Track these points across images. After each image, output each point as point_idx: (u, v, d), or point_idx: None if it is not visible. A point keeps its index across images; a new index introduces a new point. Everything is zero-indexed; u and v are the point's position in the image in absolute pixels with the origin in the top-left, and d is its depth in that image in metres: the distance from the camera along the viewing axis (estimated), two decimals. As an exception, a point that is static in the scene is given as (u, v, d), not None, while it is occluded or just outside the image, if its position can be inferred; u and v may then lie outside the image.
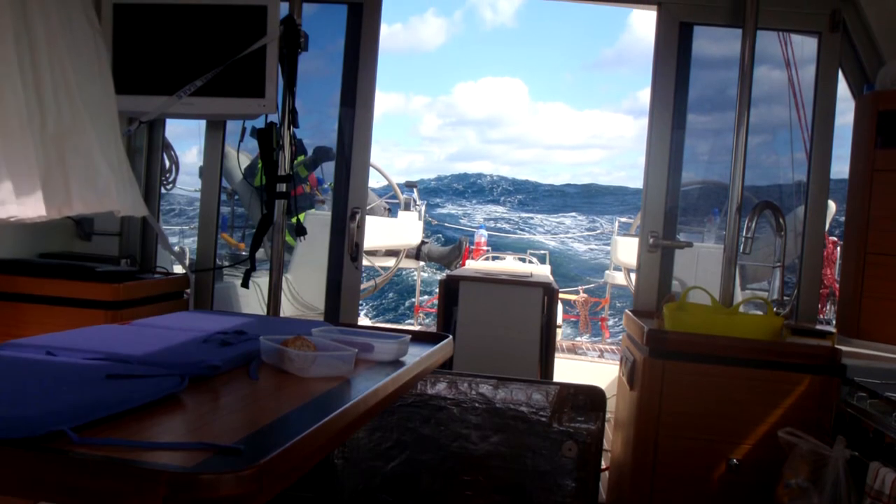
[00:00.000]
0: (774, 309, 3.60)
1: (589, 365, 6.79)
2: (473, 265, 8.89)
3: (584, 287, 12.66)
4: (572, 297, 11.50)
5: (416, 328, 9.24)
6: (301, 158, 5.55)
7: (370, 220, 6.14)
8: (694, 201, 4.43)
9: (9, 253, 3.56)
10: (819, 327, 3.62)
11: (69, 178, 2.75)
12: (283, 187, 3.75)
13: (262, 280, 4.30)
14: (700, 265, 4.28)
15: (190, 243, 6.40)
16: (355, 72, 4.08)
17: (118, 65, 3.60)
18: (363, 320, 7.99)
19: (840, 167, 3.88)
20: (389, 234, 9.39)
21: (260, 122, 3.72)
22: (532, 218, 48.95)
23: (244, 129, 3.82)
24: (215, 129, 4.18)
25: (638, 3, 4.20)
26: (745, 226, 3.66)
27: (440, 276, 5.56)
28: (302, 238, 3.93)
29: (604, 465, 3.74)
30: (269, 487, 1.13)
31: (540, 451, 3.26)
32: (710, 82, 4.22)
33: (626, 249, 8.71)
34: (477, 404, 3.29)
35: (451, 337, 2.48)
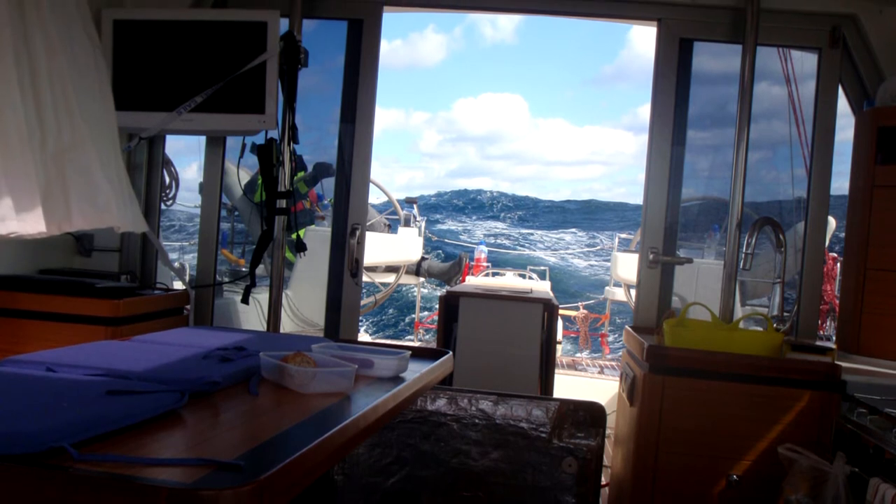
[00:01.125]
0: (774, 325, 3.59)
1: (589, 381, 6.77)
2: (473, 281, 8.86)
3: (584, 303, 12.66)
4: (572, 313, 11.51)
5: (416, 344, 9.21)
6: (301, 174, 5.55)
7: (370, 237, 6.15)
8: (694, 217, 4.43)
9: (9, 269, 3.56)
10: (819, 343, 3.61)
11: (69, 194, 2.75)
12: (283, 203, 3.76)
13: (262, 296, 4.30)
14: (700, 281, 4.27)
15: (190, 259, 6.40)
16: (355, 88, 4.09)
17: (118, 81, 3.61)
18: (363, 336, 7.99)
19: (840, 183, 3.88)
20: (389, 250, 9.40)
21: (260, 138, 3.72)
22: (532, 234, 49.02)
23: (244, 145, 3.82)
24: (215, 146, 4.19)
25: (638, 19, 4.21)
26: (745, 242, 3.65)
27: (440, 292, 5.56)
28: (302, 254, 3.93)
29: (604, 481, 3.73)
30: (269, 503, 1.13)
31: (540, 467, 3.25)
32: (710, 98, 4.22)
33: (626, 265, 8.73)
34: (477, 420, 3.28)
35: (451, 353, 2.48)
